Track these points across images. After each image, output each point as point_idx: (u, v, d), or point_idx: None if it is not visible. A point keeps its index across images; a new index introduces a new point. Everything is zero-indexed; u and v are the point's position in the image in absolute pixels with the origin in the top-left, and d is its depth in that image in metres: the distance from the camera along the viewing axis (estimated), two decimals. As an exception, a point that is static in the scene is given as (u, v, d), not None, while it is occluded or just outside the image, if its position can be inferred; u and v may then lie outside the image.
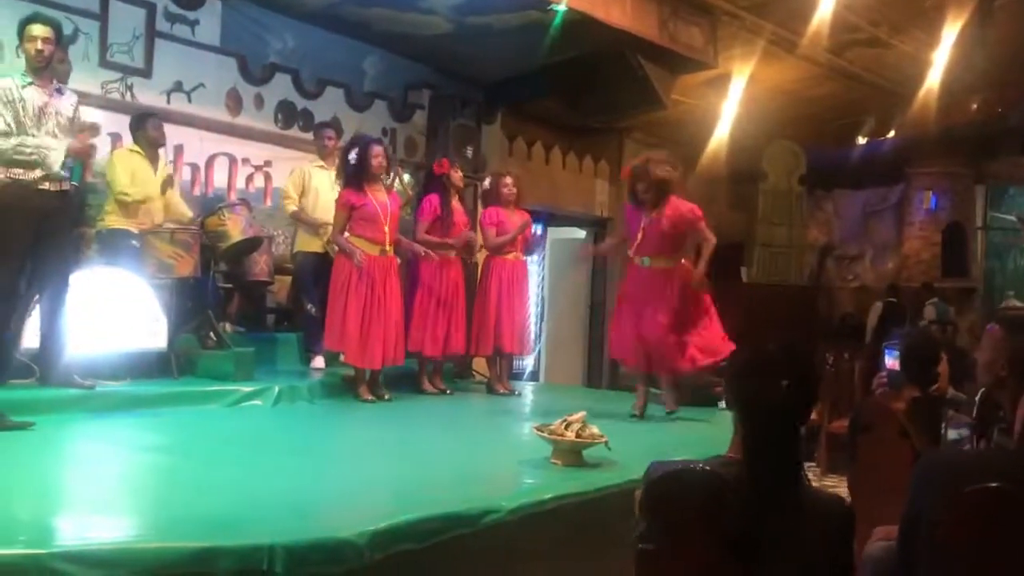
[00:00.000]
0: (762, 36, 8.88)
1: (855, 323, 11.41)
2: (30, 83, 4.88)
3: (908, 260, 13.65)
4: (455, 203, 6.98)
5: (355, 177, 6.20)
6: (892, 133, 12.11)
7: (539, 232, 9.71)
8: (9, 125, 4.75)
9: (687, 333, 5.93)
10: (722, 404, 6.82)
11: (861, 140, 12.41)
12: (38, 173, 4.83)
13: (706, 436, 5.55)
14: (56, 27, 5.00)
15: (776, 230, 12.06)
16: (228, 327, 6.80)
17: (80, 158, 4.98)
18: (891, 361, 3.71)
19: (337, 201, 6.30)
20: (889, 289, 12.39)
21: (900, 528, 2.30)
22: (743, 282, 11.20)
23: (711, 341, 5.96)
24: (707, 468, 1.98)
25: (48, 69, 4.97)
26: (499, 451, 4.69)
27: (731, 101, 10.25)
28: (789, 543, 1.95)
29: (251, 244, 6.55)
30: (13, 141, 4.76)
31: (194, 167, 7.50)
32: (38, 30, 4.89)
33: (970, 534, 2.15)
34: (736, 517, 1.89)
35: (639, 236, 5.95)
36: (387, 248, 6.24)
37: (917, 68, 9.71)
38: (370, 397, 6.23)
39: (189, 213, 6.46)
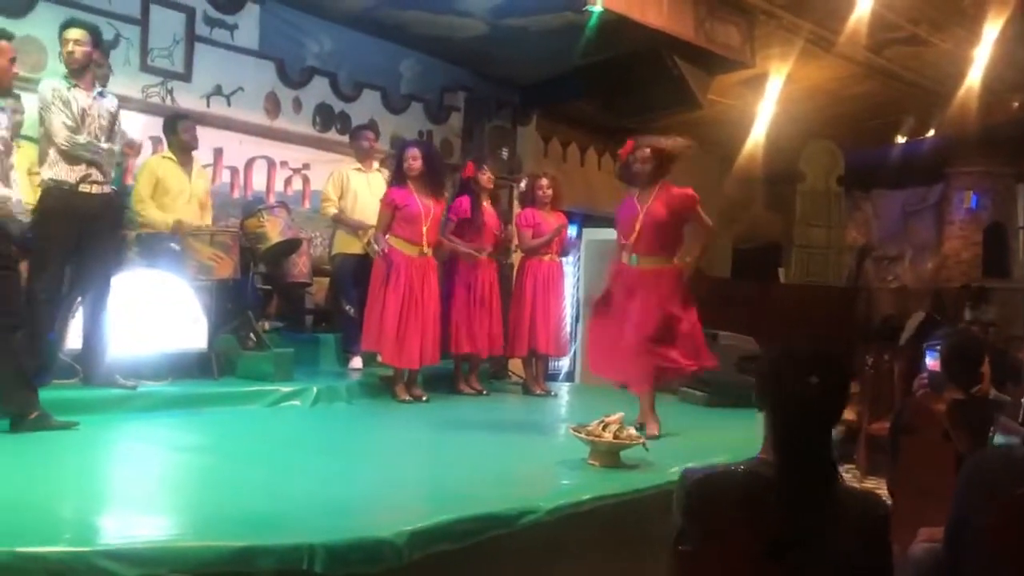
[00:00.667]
0: (800, 35, 8.80)
1: (895, 324, 11.27)
2: (74, 85, 4.97)
3: (948, 260, 13.47)
4: (486, 205, 6.99)
5: (397, 178, 6.27)
6: (931, 132, 11.95)
7: (574, 234, 9.68)
8: (64, 123, 4.85)
9: (669, 343, 5.22)
10: (761, 405, 6.76)
11: (900, 139, 12.26)
12: (79, 168, 4.91)
13: (744, 437, 5.48)
14: (91, 31, 5.08)
15: (814, 231, 11.95)
16: (267, 327, 6.86)
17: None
18: (932, 362, 3.67)
19: (381, 200, 6.36)
20: (934, 298, 12.21)
21: (946, 531, 2.28)
22: (781, 284, 11.11)
23: (696, 346, 5.40)
24: (745, 469, 1.96)
25: (87, 72, 5.05)
26: (536, 452, 4.69)
27: (768, 101, 10.17)
28: (826, 542, 1.94)
29: (290, 246, 6.61)
30: (76, 138, 4.86)
31: (233, 170, 7.58)
32: (71, 33, 5.00)
33: (1020, 538, 2.12)
34: (773, 517, 1.88)
35: (636, 228, 5.29)
36: (425, 249, 6.26)
37: (957, 66, 9.58)
38: (407, 397, 6.26)
39: (207, 222, 6.48)
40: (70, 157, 4.89)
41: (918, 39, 9.13)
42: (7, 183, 4.35)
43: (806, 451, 1.96)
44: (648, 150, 5.27)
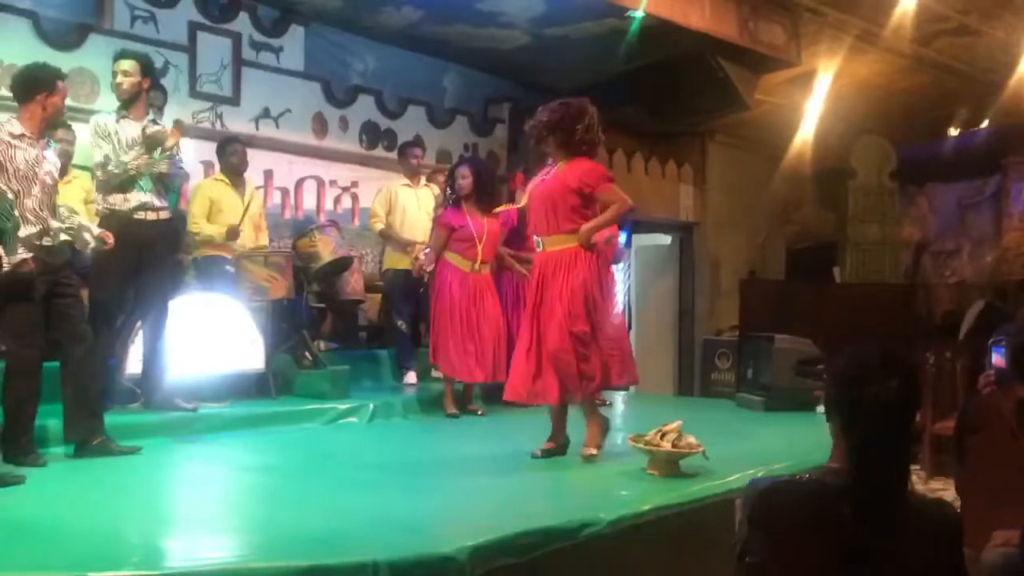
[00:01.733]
0: (846, 31, 8.69)
1: (956, 320, 11.04)
2: (124, 116, 5.06)
3: (1008, 253, 13.15)
4: None
5: (451, 199, 6.32)
6: (986, 123, 11.71)
7: (623, 241, 9.63)
8: (106, 157, 4.93)
9: (597, 343, 4.51)
10: (820, 408, 6.67)
11: (953, 132, 12.03)
12: (133, 196, 5.00)
13: (804, 442, 5.42)
14: (141, 61, 5.16)
15: (868, 228, 11.75)
16: (322, 345, 6.92)
17: (151, 143, 5.05)
18: (998, 359, 3.58)
19: (435, 222, 6.41)
20: (994, 292, 11.93)
21: (1022, 534, 2.21)
22: (837, 283, 10.94)
23: (625, 355, 4.76)
24: (812, 479, 1.93)
25: (137, 102, 5.13)
26: (594, 462, 4.65)
27: (815, 98, 10.05)
28: (898, 552, 1.89)
29: (342, 264, 6.66)
30: (111, 167, 4.95)
31: (284, 191, 7.69)
32: (120, 65, 5.09)
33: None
34: (845, 527, 1.84)
35: (532, 205, 4.73)
36: (477, 266, 6.26)
37: (1009, 54, 9.38)
38: (454, 411, 6.24)
39: (263, 243, 6.58)
40: (123, 186, 4.98)
41: (968, 29, 8.96)
42: (55, 215, 4.45)
43: (885, 458, 1.92)
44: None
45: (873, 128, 11.70)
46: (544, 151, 4.76)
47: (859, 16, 8.47)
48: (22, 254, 4.12)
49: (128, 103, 5.08)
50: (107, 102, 6.01)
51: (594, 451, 4.57)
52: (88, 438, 4.44)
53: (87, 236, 4.66)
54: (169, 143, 5.07)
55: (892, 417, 1.93)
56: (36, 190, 4.30)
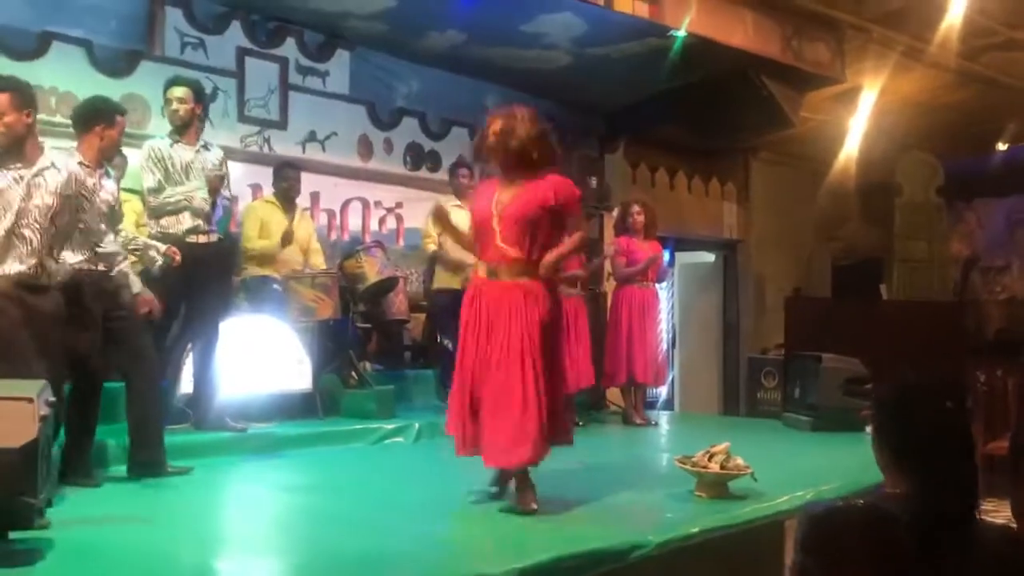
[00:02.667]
0: (891, 47, 8.63)
1: (1009, 338, 10.85)
2: (177, 141, 5.16)
3: (1060, 269, 12.94)
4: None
5: None
6: (1034, 137, 11.55)
7: (667, 259, 9.63)
8: (159, 182, 5.03)
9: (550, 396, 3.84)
10: (869, 429, 6.58)
11: (1001, 146, 11.87)
12: (187, 220, 5.09)
13: (853, 463, 5.36)
14: (194, 88, 5.29)
15: (915, 244, 11.61)
16: (368, 366, 6.98)
17: (214, 184, 5.21)
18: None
19: None
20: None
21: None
22: (884, 300, 10.82)
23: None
24: (868, 504, 1.91)
25: (191, 128, 5.24)
26: (641, 484, 4.64)
27: (861, 114, 9.98)
28: None
29: (387, 284, 6.72)
30: (162, 196, 5.04)
31: (330, 212, 7.78)
32: (175, 92, 5.20)
33: None
34: (903, 554, 1.81)
35: (492, 226, 3.93)
36: None
37: (1059, 68, 9.27)
38: None
39: (321, 264, 6.65)
40: (173, 210, 5.08)
41: (1016, 43, 8.85)
42: (114, 242, 4.56)
43: (950, 482, 1.89)
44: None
45: (919, 144, 11.58)
46: (504, 166, 3.98)
47: (905, 32, 8.41)
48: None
49: (182, 129, 5.19)
50: (157, 127, 6.14)
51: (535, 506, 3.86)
52: (148, 459, 4.51)
53: (153, 253, 4.79)
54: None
55: (955, 440, 1.90)
56: (92, 219, 4.41)
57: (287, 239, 6.32)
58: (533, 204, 3.88)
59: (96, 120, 4.49)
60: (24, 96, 3.82)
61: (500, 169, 4.02)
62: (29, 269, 3.76)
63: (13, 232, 3.74)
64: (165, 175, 5.08)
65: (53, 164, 3.88)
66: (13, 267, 3.74)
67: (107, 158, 4.59)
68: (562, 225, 3.98)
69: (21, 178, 3.78)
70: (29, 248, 3.76)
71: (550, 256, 3.89)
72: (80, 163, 4.37)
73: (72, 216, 3.98)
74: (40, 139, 3.95)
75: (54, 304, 3.88)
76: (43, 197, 3.80)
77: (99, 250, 4.43)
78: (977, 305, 12.79)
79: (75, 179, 3.97)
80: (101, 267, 4.43)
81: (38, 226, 3.78)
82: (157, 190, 5.06)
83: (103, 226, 4.46)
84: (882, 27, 8.39)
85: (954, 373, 2.02)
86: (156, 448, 4.54)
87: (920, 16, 8.14)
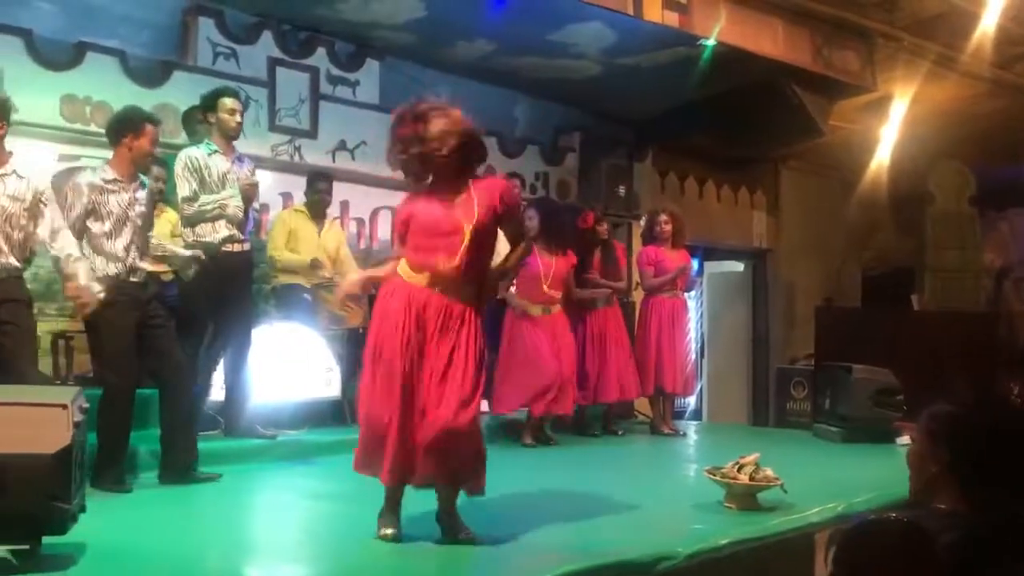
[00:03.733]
0: (923, 56, 8.57)
1: (1043, 350, 10.72)
2: (215, 151, 5.20)
3: (1095, 280, 12.76)
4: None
5: None
6: (1069, 146, 11.41)
7: (695, 268, 9.61)
8: (195, 191, 5.07)
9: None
10: (900, 440, 6.54)
11: (1035, 156, 11.75)
12: (222, 229, 5.14)
13: (884, 475, 5.31)
14: (239, 99, 5.38)
15: (947, 254, 11.49)
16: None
17: (248, 194, 5.26)
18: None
19: None
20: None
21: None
22: (915, 311, 10.71)
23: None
24: (902, 519, 1.88)
25: (238, 138, 5.31)
26: (670, 494, 4.63)
27: (892, 123, 9.90)
28: None
29: (415, 293, 6.73)
30: (197, 204, 5.08)
31: (359, 221, 7.82)
32: (232, 103, 5.24)
33: None
34: (943, 570, 1.78)
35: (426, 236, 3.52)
36: (549, 307, 6.34)
37: (1095, 76, 9.16)
38: (531, 442, 6.28)
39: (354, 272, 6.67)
40: (210, 218, 5.12)
41: (1051, 52, 8.77)
42: (144, 255, 4.64)
43: (1001, 501, 1.86)
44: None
45: (951, 152, 11.47)
46: (444, 172, 3.56)
47: (936, 40, 8.35)
48: (99, 291, 4.26)
49: (233, 139, 5.25)
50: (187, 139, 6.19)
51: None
52: (179, 466, 4.56)
53: (183, 257, 4.83)
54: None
55: (997, 456, 1.87)
56: (127, 231, 4.49)
57: (316, 265, 6.30)
58: (488, 214, 3.50)
59: (124, 131, 4.54)
60: None
61: (435, 176, 3.57)
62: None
63: None
64: (200, 183, 5.12)
65: (15, 171, 4.10)
66: None
67: (140, 168, 4.64)
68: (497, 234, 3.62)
69: None
70: None
71: (499, 268, 3.71)
72: (113, 179, 4.44)
73: (29, 223, 4.13)
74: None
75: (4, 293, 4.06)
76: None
77: (140, 265, 4.49)
78: (1010, 316, 12.63)
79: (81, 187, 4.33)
80: (133, 278, 4.49)
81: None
82: (192, 199, 5.09)
83: (137, 240, 4.53)
84: (913, 35, 8.34)
85: (995, 388, 1.99)
86: (187, 454, 4.58)
87: (952, 24, 8.09)
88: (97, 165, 4.65)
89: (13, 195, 4.11)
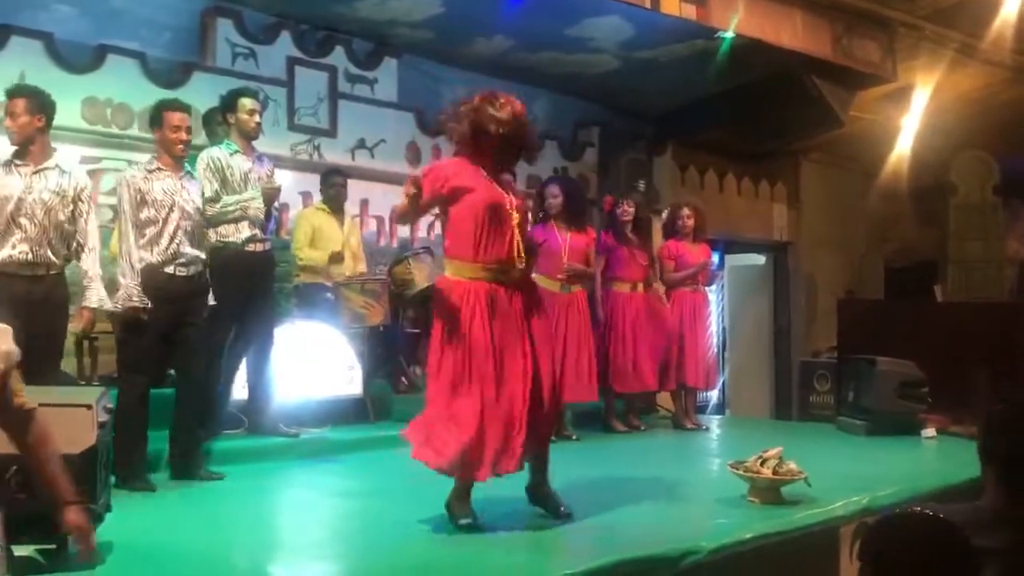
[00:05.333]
0: (944, 44, 8.49)
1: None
2: (236, 151, 5.22)
3: (1120, 268, 12.61)
4: (631, 237, 6.92)
5: (540, 216, 6.35)
6: (1093, 133, 11.28)
7: (716, 261, 9.57)
8: (216, 191, 5.10)
9: None
10: (925, 433, 6.50)
11: (1060, 143, 11.62)
12: (245, 229, 5.16)
13: (908, 468, 5.30)
14: (259, 99, 5.41)
15: (971, 245, 11.38)
16: (417, 370, 7.01)
17: (270, 196, 5.28)
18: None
19: None
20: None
21: None
22: (939, 302, 10.62)
23: None
24: (931, 514, 1.86)
25: (257, 138, 5.34)
26: (694, 489, 4.61)
27: (913, 113, 9.82)
28: None
29: (436, 290, 6.74)
30: (219, 205, 5.10)
31: (379, 219, 7.83)
32: (252, 103, 5.26)
33: None
34: (970, 566, 1.76)
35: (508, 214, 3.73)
36: (568, 285, 6.28)
37: (1120, 62, 9.05)
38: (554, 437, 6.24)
39: (362, 268, 6.70)
40: (233, 219, 5.14)
41: (1073, 38, 8.67)
42: (196, 243, 4.68)
43: None
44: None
45: (974, 142, 11.36)
46: (509, 158, 3.90)
47: (958, 29, 8.27)
48: (135, 299, 4.34)
49: (254, 139, 5.29)
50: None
51: None
52: (183, 461, 4.61)
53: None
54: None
55: None
56: (175, 216, 4.54)
57: (336, 258, 6.34)
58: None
59: (151, 125, 4.71)
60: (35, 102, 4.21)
61: (497, 161, 3.78)
62: (21, 255, 4.13)
63: (12, 220, 4.11)
64: (223, 184, 5.14)
65: (58, 166, 4.27)
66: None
67: (176, 157, 4.63)
68: None
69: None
70: (23, 235, 4.12)
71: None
72: (157, 168, 4.50)
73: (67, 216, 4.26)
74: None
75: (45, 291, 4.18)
76: (40, 193, 4.18)
77: (183, 253, 4.55)
78: (1035, 306, 12.51)
79: (125, 182, 4.47)
80: (180, 271, 4.55)
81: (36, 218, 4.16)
82: (215, 199, 5.11)
83: (187, 226, 4.58)
84: (934, 24, 8.27)
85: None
86: (187, 455, 4.62)
87: (973, 12, 8.02)
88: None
89: (55, 190, 4.25)
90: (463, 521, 3.60)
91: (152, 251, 4.49)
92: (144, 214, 4.50)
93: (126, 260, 4.44)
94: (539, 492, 3.83)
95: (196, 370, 4.63)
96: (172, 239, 4.53)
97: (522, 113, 3.76)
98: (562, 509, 3.77)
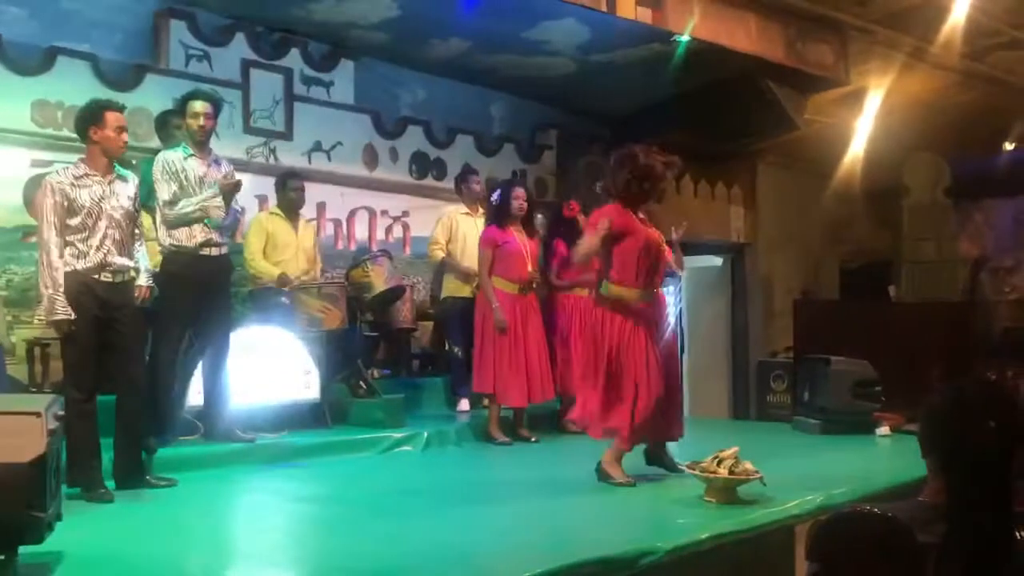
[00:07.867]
0: (896, 48, 8.62)
1: (1018, 338, 10.81)
2: (191, 155, 5.16)
3: (1069, 268, 12.87)
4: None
5: (497, 217, 6.33)
6: (1041, 136, 11.50)
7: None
8: (174, 194, 5.03)
9: None
10: (879, 431, 6.58)
11: (1008, 146, 11.83)
12: (199, 233, 5.10)
13: (862, 467, 5.36)
14: (215, 103, 5.31)
15: (923, 245, 11.57)
16: (375, 372, 6.98)
17: (227, 191, 5.14)
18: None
19: (480, 239, 6.41)
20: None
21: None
22: (892, 302, 10.77)
23: None
24: (879, 512, 1.88)
25: (207, 142, 5.26)
26: (650, 490, 4.63)
27: (866, 116, 9.96)
28: None
29: (395, 293, 6.73)
30: (177, 207, 5.04)
31: (336, 222, 7.80)
32: (201, 107, 5.18)
33: None
34: (918, 563, 1.78)
35: (659, 251, 5.00)
36: (527, 287, 6.28)
37: (1066, 67, 9.24)
38: (502, 438, 6.24)
39: (316, 275, 6.61)
40: (189, 222, 5.08)
41: (1021, 43, 8.84)
42: (125, 251, 4.50)
43: (985, 500, 1.87)
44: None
45: (925, 144, 11.55)
46: (649, 199, 5.00)
47: (909, 33, 8.39)
48: (59, 311, 4.24)
49: (203, 144, 5.20)
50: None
51: None
52: (129, 472, 4.50)
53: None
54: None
55: (990, 458, 1.87)
56: (102, 224, 4.39)
57: (283, 282, 6.19)
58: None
59: (86, 124, 4.46)
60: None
61: (642, 202, 4.87)
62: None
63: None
64: (180, 187, 5.08)
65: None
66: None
67: (113, 158, 4.50)
68: None
69: None
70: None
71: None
72: (84, 174, 4.38)
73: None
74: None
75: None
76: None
77: (113, 260, 4.41)
78: (986, 305, 12.74)
79: (50, 187, 4.34)
80: (104, 277, 4.40)
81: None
82: (172, 202, 5.04)
83: (116, 234, 4.43)
84: (886, 28, 8.38)
85: (998, 389, 1.96)
86: (128, 462, 4.50)
87: (924, 17, 8.14)
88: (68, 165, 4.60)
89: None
90: (623, 480, 4.60)
91: (78, 261, 4.33)
92: (71, 221, 4.33)
93: (47, 270, 4.27)
94: (658, 453, 4.96)
95: (134, 376, 4.49)
96: (99, 248, 4.36)
97: (662, 159, 4.93)
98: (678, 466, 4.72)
